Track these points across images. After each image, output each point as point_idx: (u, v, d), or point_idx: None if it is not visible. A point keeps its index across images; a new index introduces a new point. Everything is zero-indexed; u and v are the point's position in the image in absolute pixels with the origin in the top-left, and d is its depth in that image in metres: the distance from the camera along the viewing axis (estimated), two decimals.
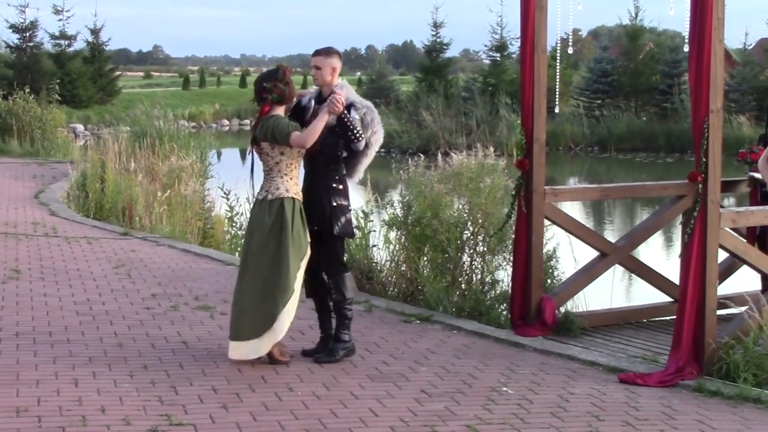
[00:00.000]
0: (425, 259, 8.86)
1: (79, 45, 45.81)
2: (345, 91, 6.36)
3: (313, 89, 6.60)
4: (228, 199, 11.98)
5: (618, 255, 7.93)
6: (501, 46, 39.97)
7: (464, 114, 35.30)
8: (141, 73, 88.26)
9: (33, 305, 7.81)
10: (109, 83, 47.31)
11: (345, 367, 6.34)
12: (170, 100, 40.32)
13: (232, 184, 12.38)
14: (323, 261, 6.43)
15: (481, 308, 8.10)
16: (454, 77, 42.64)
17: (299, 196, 6.31)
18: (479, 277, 8.67)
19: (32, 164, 19.94)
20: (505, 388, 6.00)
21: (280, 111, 6.33)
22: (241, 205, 12.04)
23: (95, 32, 46.52)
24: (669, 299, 8.35)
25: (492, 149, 8.93)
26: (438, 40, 41.20)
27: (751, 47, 43.01)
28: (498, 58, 40.15)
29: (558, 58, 7.31)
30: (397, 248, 9.10)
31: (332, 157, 6.37)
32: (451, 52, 42.89)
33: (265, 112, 6.29)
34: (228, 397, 5.64)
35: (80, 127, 41.05)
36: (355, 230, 6.72)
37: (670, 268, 11.34)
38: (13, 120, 22.83)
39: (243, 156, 38.97)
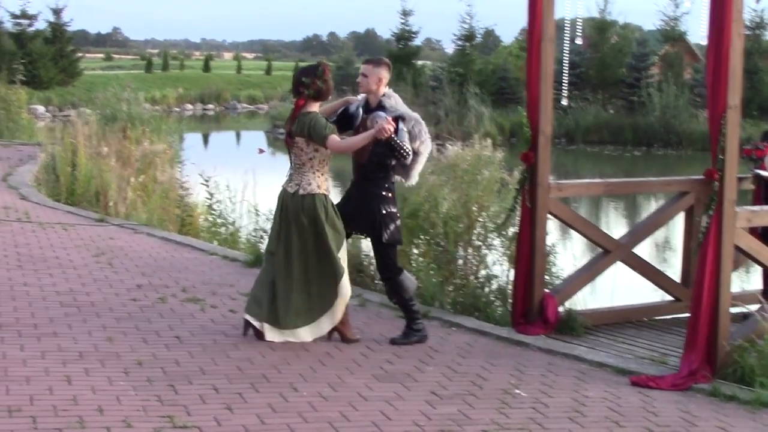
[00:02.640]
0: (416, 252, 8.63)
1: (40, 25, 45.12)
2: (393, 101, 6.55)
3: (361, 96, 6.69)
4: (208, 186, 11.58)
5: (621, 252, 7.74)
6: (469, 36, 39.77)
7: (433, 103, 35.09)
8: (101, 55, 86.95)
9: (14, 295, 7.42)
10: (71, 64, 46.60)
11: (349, 366, 6.09)
12: (133, 83, 39.45)
13: (210, 170, 12.03)
14: (377, 266, 6.64)
15: (478, 304, 7.89)
16: (423, 66, 42.46)
17: (328, 192, 6.47)
18: (474, 271, 8.45)
19: None
20: (517, 390, 5.79)
21: (314, 107, 6.41)
22: (221, 192, 11.69)
23: (57, 12, 45.81)
24: (669, 298, 8.21)
25: (489, 141, 8.70)
26: (407, 28, 40.93)
27: None
28: (465, 48, 39.92)
29: (566, 47, 7.07)
30: None
31: (381, 165, 6.49)
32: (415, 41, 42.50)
33: (299, 107, 6.38)
34: (231, 398, 5.36)
35: (41, 109, 40.32)
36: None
37: (662, 265, 11.25)
38: None
39: (206, 141, 38.49)
